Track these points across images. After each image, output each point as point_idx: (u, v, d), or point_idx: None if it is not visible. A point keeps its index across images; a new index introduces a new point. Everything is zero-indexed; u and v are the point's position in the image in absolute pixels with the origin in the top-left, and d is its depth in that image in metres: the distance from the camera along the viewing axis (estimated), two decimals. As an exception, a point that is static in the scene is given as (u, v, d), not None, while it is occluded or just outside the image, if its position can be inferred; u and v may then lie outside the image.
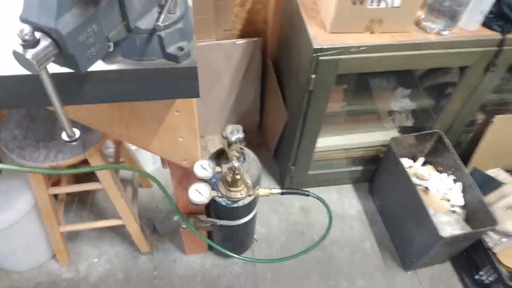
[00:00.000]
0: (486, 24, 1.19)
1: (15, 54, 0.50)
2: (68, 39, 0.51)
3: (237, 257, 1.34)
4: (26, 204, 1.25)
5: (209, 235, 1.47)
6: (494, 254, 1.37)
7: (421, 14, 1.18)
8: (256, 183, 1.21)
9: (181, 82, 0.70)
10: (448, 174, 1.52)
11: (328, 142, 1.63)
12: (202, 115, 1.81)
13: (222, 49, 1.59)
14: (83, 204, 1.65)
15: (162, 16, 0.62)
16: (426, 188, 1.52)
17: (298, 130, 1.43)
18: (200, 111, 1.79)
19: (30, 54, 0.49)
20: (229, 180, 0.98)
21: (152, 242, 1.56)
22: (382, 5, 1.07)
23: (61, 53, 0.53)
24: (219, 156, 1.17)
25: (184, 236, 1.44)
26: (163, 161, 1.48)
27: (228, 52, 1.61)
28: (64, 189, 1.28)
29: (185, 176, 1.13)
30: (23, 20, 0.50)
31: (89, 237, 1.55)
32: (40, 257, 1.47)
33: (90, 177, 1.34)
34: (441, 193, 1.47)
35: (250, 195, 1.03)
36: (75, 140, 0.66)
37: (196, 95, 0.73)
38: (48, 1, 0.49)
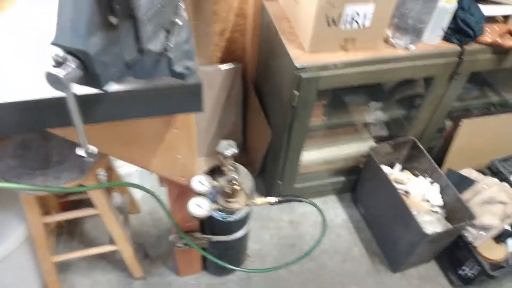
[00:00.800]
0: (446, 38, 1.32)
1: (48, 74, 0.54)
2: (95, 59, 0.56)
3: (233, 268, 1.37)
4: (18, 236, 1.24)
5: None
6: (475, 248, 1.47)
7: (389, 32, 1.30)
8: (251, 195, 1.26)
9: (187, 98, 0.76)
10: (425, 177, 1.63)
11: (311, 155, 1.71)
12: (186, 138, 1.86)
13: (205, 75, 1.66)
14: (72, 234, 1.63)
15: (173, 39, 0.69)
16: (406, 192, 1.61)
17: (284, 145, 1.50)
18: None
19: (62, 73, 0.54)
20: (228, 191, 1.03)
21: (145, 267, 1.55)
22: (354, 26, 1.18)
23: (87, 73, 0.58)
24: (213, 172, 1.21)
25: (178, 257, 1.45)
26: (160, 179, 1.50)
27: (210, 78, 1.68)
28: (57, 217, 1.27)
29: (181, 194, 1.16)
30: (55, 44, 0.55)
31: (80, 267, 1.53)
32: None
33: (78, 206, 1.35)
34: (420, 195, 1.57)
35: (248, 205, 1.08)
36: (91, 156, 0.70)
37: (200, 109, 0.79)
38: (77, 26, 0.54)
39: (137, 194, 1.73)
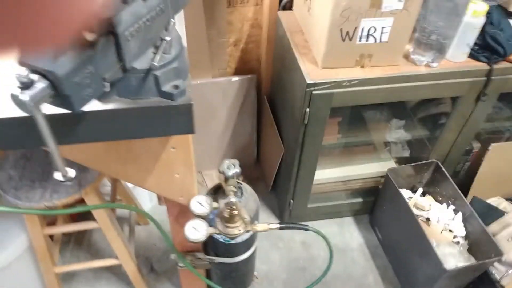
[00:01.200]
0: (473, 55, 1.22)
1: (13, 96, 0.51)
2: (64, 80, 0.53)
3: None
4: (20, 246, 1.23)
5: (208, 274, 1.44)
6: (503, 287, 1.33)
7: (409, 47, 1.21)
8: (254, 218, 1.19)
9: (176, 119, 0.72)
10: (448, 204, 1.51)
11: (326, 174, 1.63)
12: (199, 150, 1.82)
13: (218, 86, 1.63)
14: (80, 243, 1.62)
15: (158, 57, 0.64)
16: (427, 219, 1.50)
17: (296, 163, 1.43)
18: (197, 146, 1.80)
19: (27, 96, 0.51)
20: (227, 216, 0.97)
21: (150, 282, 1.52)
22: (371, 40, 1.11)
23: (57, 94, 0.54)
24: (217, 192, 1.16)
25: (181, 275, 1.41)
26: (159, 198, 1.47)
27: (224, 89, 1.64)
28: (59, 229, 1.26)
29: (182, 213, 1.12)
30: (21, 63, 0.52)
31: (86, 278, 1.52)
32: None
33: (86, 216, 1.34)
34: (442, 224, 1.46)
35: (248, 231, 1.02)
36: (70, 180, 0.66)
37: (191, 131, 0.74)
38: (45, 45, 0.51)
39: (145, 205, 1.70)
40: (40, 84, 0.52)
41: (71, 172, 0.66)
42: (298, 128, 1.30)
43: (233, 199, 0.94)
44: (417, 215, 1.52)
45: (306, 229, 1.05)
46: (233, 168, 1.06)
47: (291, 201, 1.60)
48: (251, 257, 1.32)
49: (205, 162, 1.88)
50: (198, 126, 1.68)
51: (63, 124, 0.66)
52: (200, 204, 1.02)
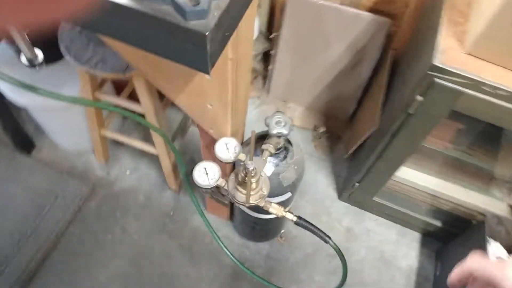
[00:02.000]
0: None
1: None
2: None
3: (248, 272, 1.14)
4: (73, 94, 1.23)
5: (232, 210, 1.35)
6: None
7: None
8: (289, 188, 1.00)
9: (186, 46, 0.51)
10: (546, 295, 1.11)
11: (414, 176, 1.30)
12: (294, 78, 1.59)
13: (343, 16, 1.31)
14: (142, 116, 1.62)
15: None
16: (506, 293, 1.13)
17: (379, 148, 1.14)
18: (294, 73, 1.57)
19: None
20: (239, 178, 0.80)
21: (182, 183, 1.49)
22: None
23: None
24: (261, 139, 0.97)
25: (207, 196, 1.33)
26: (192, 121, 1.34)
27: (347, 22, 1.32)
28: (107, 99, 1.21)
29: (213, 143, 0.97)
30: None
31: (132, 153, 1.54)
32: (84, 145, 1.50)
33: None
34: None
35: (258, 205, 0.84)
36: (37, 64, 0.53)
37: (203, 69, 0.54)
38: None
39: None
40: None
41: (39, 55, 0.52)
42: (400, 113, 0.99)
43: (250, 166, 0.74)
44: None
45: (326, 241, 0.83)
46: (281, 126, 0.85)
47: (357, 184, 1.34)
48: (277, 219, 1.17)
49: (295, 94, 1.66)
50: (303, 52, 1.40)
51: None
52: (227, 147, 0.86)
